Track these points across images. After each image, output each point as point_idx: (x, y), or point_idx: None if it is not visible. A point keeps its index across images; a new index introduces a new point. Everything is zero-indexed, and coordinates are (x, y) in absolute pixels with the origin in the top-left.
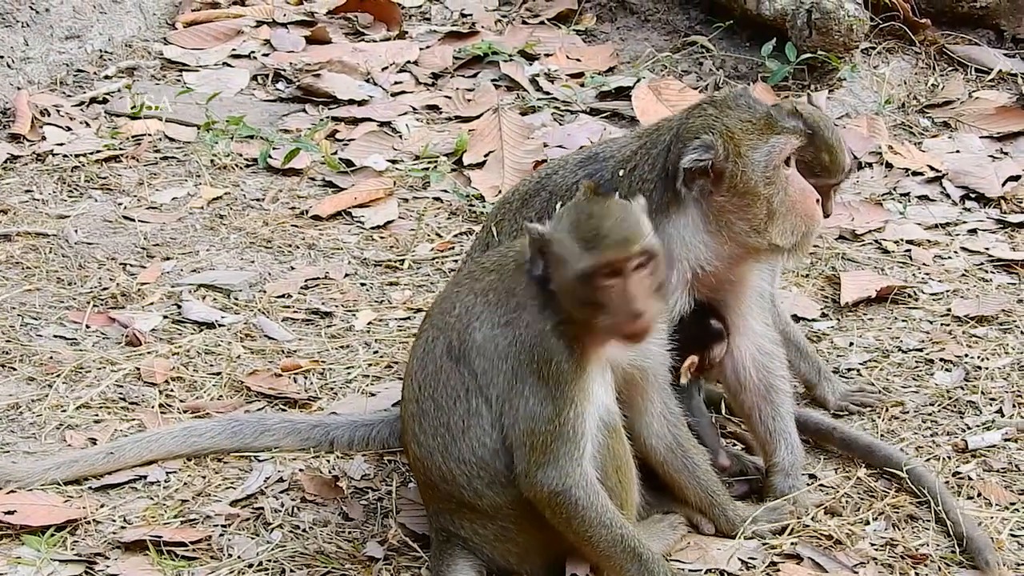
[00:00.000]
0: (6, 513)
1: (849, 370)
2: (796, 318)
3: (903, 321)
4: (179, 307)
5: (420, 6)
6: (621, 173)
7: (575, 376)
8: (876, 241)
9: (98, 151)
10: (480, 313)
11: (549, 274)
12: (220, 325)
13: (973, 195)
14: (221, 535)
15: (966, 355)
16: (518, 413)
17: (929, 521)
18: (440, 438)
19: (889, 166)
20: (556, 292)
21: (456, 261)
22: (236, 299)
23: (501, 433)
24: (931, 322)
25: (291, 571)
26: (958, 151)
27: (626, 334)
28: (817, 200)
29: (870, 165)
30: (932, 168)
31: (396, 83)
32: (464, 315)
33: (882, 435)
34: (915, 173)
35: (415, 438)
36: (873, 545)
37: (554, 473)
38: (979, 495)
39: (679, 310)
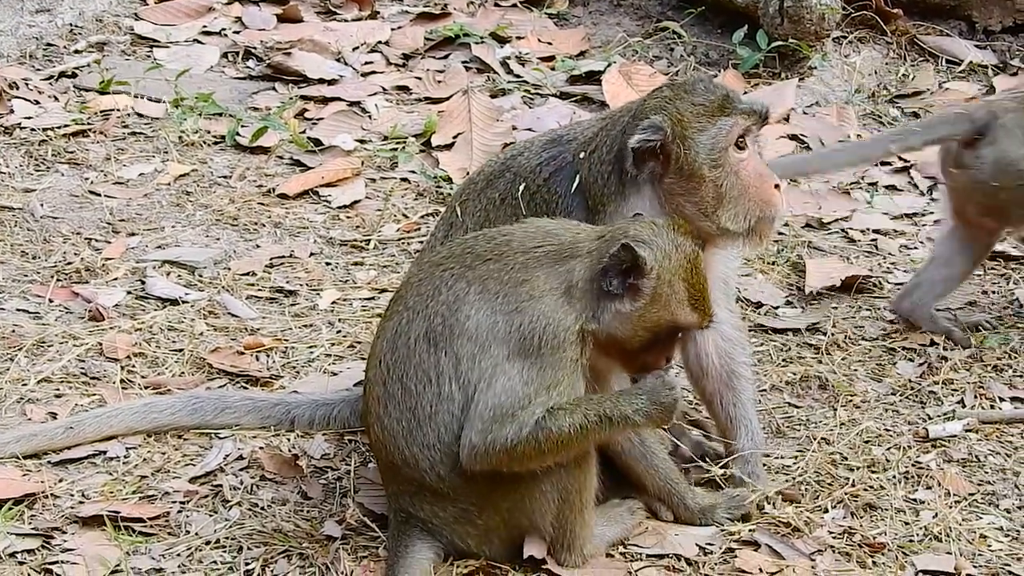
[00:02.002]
0: None
1: (813, 355)
2: (760, 305)
3: (867, 310)
4: (143, 283)
5: None
6: (582, 155)
7: (572, 371)
8: (843, 230)
9: (66, 125)
10: (474, 300)
11: (624, 296)
12: (184, 302)
13: (941, 186)
14: (179, 512)
15: (930, 344)
16: (493, 390)
17: (887, 510)
18: (405, 423)
19: None
20: (620, 318)
21: (422, 242)
22: (200, 276)
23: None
24: (895, 311)
25: (248, 549)
26: None
27: None
28: (777, 185)
29: None
30: (900, 158)
31: (367, 63)
32: (453, 301)
33: (843, 424)
34: (883, 163)
35: (379, 420)
36: (831, 533)
37: (507, 430)
38: (939, 485)
39: None
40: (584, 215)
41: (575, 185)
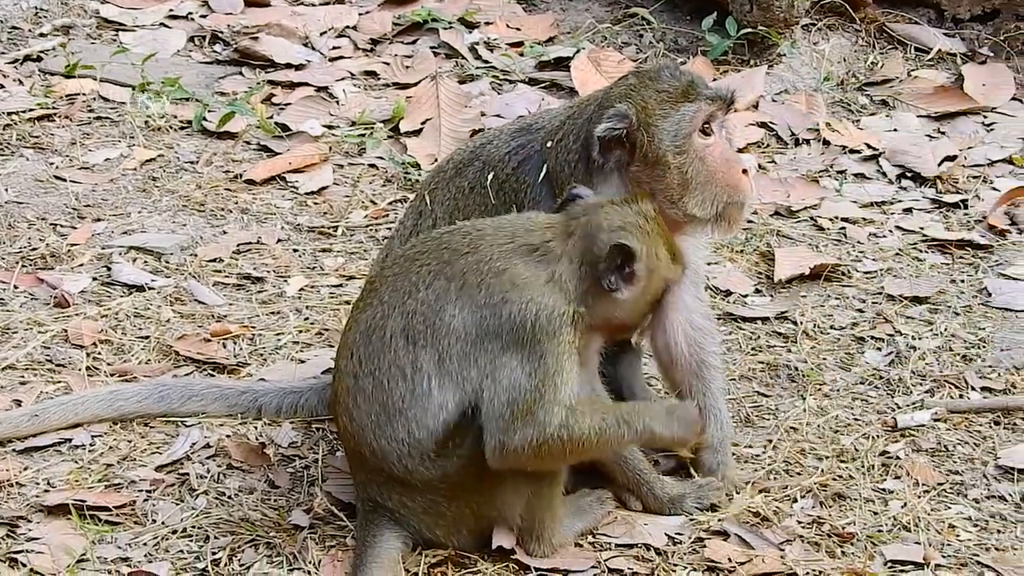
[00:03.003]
0: None
1: (783, 344)
2: (729, 293)
3: (836, 299)
4: (109, 269)
5: None
6: (549, 144)
7: (570, 356)
8: (811, 218)
9: (31, 109)
10: (455, 298)
11: (622, 280)
12: (150, 288)
13: (909, 174)
14: (145, 500)
15: (898, 333)
16: (500, 386)
17: (856, 500)
18: (375, 416)
19: (826, 143)
20: (620, 304)
21: (390, 229)
22: (167, 262)
23: (446, 412)
24: (864, 300)
25: (215, 538)
26: (895, 130)
27: None
28: (745, 170)
29: (808, 142)
30: (869, 146)
31: (334, 48)
32: (434, 300)
33: (812, 413)
34: (852, 151)
35: (347, 412)
36: (800, 523)
37: (531, 430)
38: (907, 474)
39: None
40: (551, 204)
41: (542, 174)
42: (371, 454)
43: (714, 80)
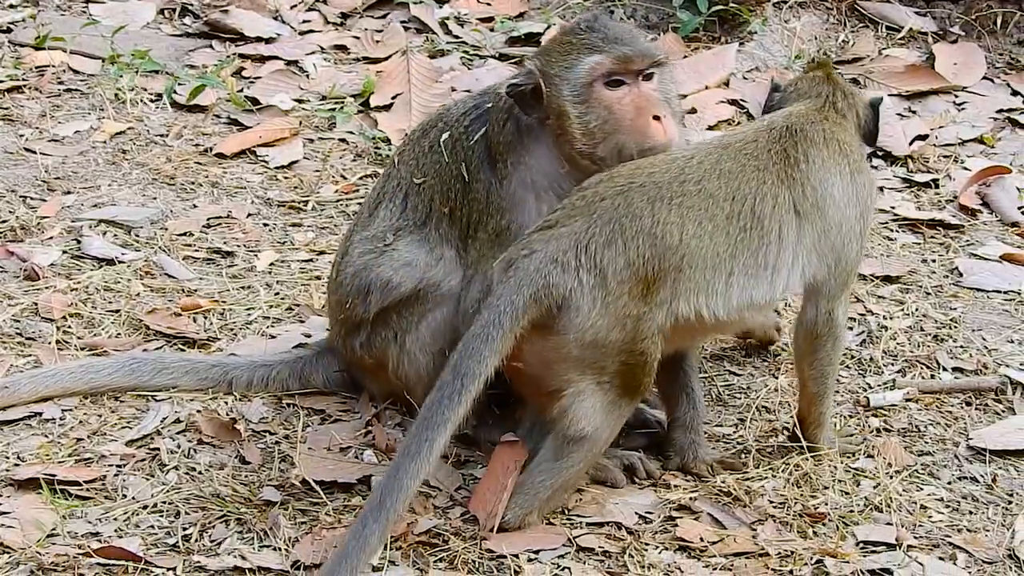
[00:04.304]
0: None
1: None
2: None
3: None
4: (79, 242)
5: None
6: (490, 105)
7: None
8: None
9: (1, 81)
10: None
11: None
12: (120, 262)
13: (880, 153)
14: (116, 475)
15: (869, 313)
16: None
17: (828, 480)
18: None
19: None
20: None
21: (360, 204)
22: (137, 236)
23: None
24: None
25: (186, 513)
26: None
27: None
28: (657, 117)
29: None
30: None
31: (304, 22)
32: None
33: (784, 392)
34: None
35: None
36: (771, 502)
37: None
38: (879, 455)
39: None
40: (488, 164)
41: (478, 135)
42: None
43: (685, 57)
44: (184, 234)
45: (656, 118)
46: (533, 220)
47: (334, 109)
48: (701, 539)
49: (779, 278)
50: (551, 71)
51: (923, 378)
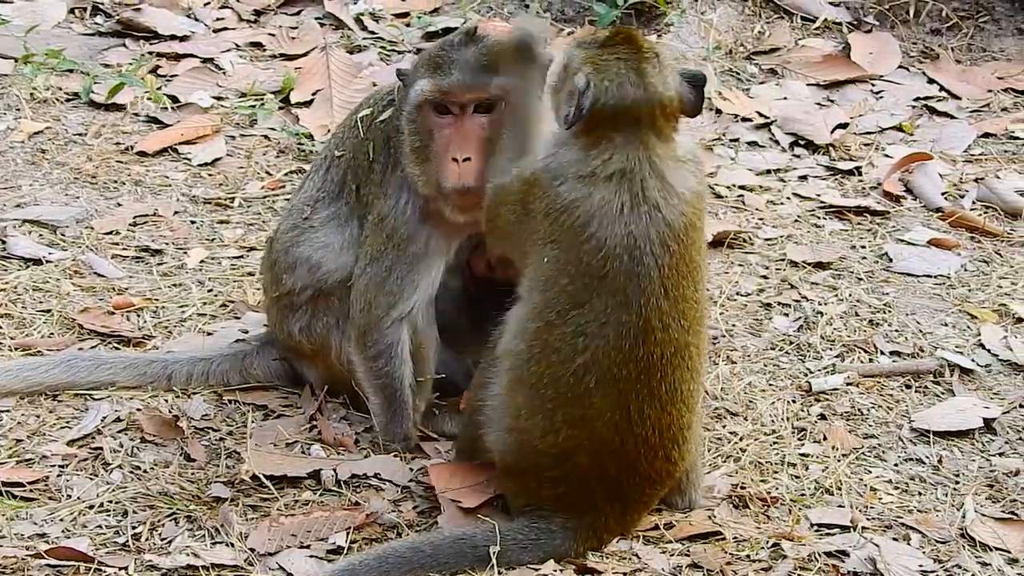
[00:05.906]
0: None
1: None
2: None
3: (740, 265)
4: (4, 242)
5: None
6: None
7: None
8: (709, 186)
9: None
10: None
11: None
12: (47, 261)
13: (802, 142)
14: (59, 476)
15: (804, 299)
16: None
17: (777, 464)
18: None
19: (718, 112)
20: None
21: (288, 200)
22: (63, 235)
23: None
24: (767, 267)
25: (134, 512)
26: (785, 98)
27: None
28: (456, 159)
29: None
30: (761, 114)
31: (218, 19)
32: None
33: (726, 379)
34: (744, 119)
35: None
36: (722, 489)
37: None
38: (825, 439)
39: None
40: (386, 146)
41: (383, 116)
42: None
43: None
44: (111, 233)
45: (455, 160)
46: (407, 218)
47: (254, 106)
48: (657, 527)
49: None
50: (409, 78)
51: (862, 362)
